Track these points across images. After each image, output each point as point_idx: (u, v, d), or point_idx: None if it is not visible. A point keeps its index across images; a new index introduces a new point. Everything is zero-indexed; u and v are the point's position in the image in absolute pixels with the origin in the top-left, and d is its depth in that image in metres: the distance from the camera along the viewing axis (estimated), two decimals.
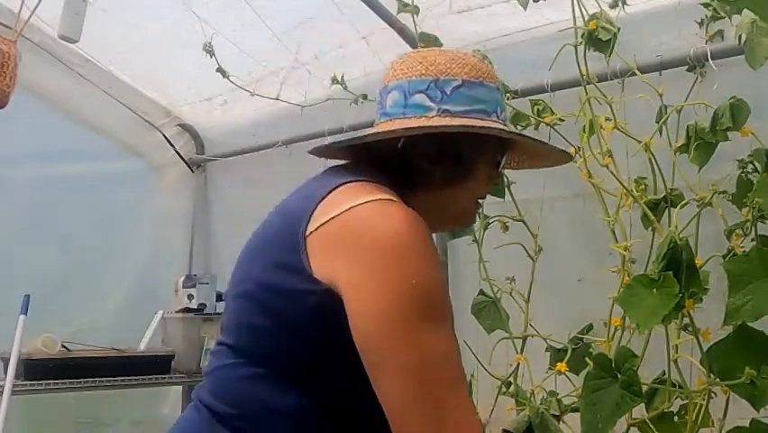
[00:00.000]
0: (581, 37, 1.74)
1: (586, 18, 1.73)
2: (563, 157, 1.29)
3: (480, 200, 1.25)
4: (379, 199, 1.04)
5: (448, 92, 1.14)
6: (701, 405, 1.58)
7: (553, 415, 1.77)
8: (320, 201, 1.05)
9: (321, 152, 1.24)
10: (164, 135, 3.37)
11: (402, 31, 2.36)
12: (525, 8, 1.82)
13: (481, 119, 1.15)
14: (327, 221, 1.02)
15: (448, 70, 1.16)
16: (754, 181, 1.60)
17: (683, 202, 1.70)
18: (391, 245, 0.99)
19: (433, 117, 1.13)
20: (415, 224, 1.02)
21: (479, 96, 1.15)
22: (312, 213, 1.04)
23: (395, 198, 1.06)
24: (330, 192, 1.06)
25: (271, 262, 1.06)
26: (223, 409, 1.07)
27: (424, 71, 1.16)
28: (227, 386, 1.08)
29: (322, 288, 1.00)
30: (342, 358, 1.01)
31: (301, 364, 1.04)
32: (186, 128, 3.44)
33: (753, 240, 1.61)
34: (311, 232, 1.02)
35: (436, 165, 1.15)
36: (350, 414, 1.05)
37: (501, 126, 1.16)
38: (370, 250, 1.00)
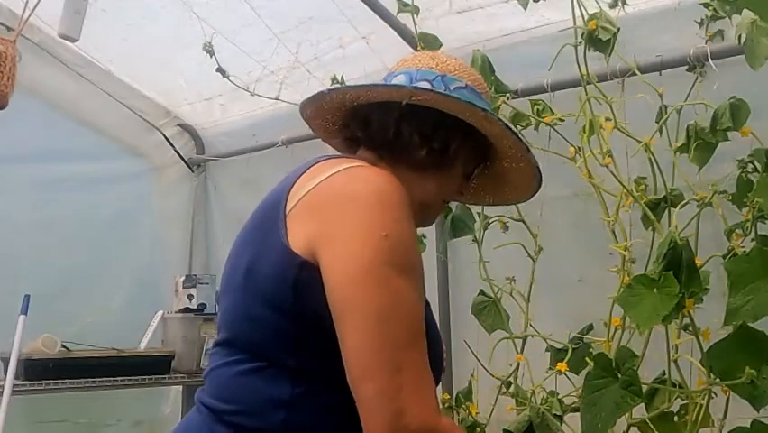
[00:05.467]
0: (581, 37, 1.74)
1: (586, 18, 1.73)
2: (533, 185, 1.28)
3: (444, 202, 1.27)
4: (352, 166, 1.07)
5: (452, 88, 1.17)
6: (701, 405, 1.58)
7: (554, 415, 1.77)
8: (296, 180, 1.08)
9: (317, 102, 1.22)
10: (164, 135, 3.37)
11: (402, 31, 2.36)
12: (525, 8, 1.82)
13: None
14: (304, 195, 1.05)
15: (456, 72, 1.20)
16: (754, 181, 1.60)
17: (683, 202, 1.70)
18: (362, 200, 1.02)
19: None
20: (386, 182, 1.05)
21: (477, 103, 1.17)
22: (290, 192, 1.06)
23: (368, 165, 1.09)
24: (305, 171, 1.09)
25: (256, 249, 1.08)
26: (221, 406, 1.07)
27: (434, 66, 1.20)
28: (224, 384, 1.09)
29: (299, 261, 1.01)
30: (328, 336, 1.01)
31: (291, 349, 1.04)
32: (186, 128, 3.44)
33: (753, 240, 1.61)
34: (290, 210, 1.05)
35: (425, 144, 1.16)
36: (342, 395, 1.03)
37: (498, 119, 1.18)
38: (342, 207, 1.03)
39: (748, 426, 1.49)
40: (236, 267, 1.11)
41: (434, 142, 1.16)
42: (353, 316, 0.98)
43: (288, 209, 1.05)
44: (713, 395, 1.57)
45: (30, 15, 2.34)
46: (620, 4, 1.80)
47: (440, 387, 1.98)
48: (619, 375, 1.51)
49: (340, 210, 1.03)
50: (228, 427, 1.05)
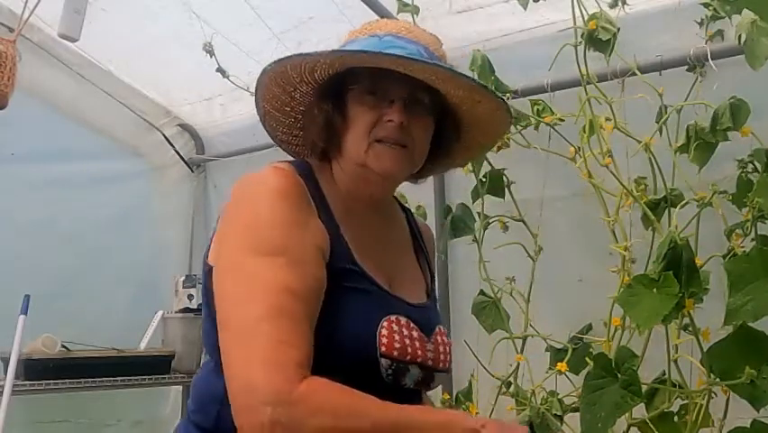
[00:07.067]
0: (581, 37, 1.74)
1: (586, 18, 1.73)
2: (497, 110, 1.21)
3: (378, 134, 1.15)
4: (260, 171, 1.13)
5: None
6: (701, 405, 1.59)
7: (554, 415, 1.77)
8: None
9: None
10: (164, 135, 3.37)
11: None
12: (525, 8, 1.82)
13: None
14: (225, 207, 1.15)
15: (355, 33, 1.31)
16: (754, 181, 1.61)
17: (683, 202, 1.69)
18: (233, 200, 1.11)
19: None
20: (271, 178, 1.10)
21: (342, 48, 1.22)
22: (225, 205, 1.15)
23: (279, 166, 1.13)
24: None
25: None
26: (190, 406, 1.17)
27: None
28: (195, 386, 1.19)
29: (207, 268, 1.12)
30: None
31: (218, 349, 1.08)
32: (186, 128, 3.44)
33: (753, 240, 1.61)
34: (218, 222, 1.15)
35: (314, 120, 1.21)
36: None
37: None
38: (229, 207, 1.12)
39: (748, 426, 1.49)
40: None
41: (316, 114, 1.20)
42: (219, 306, 1.05)
43: (218, 223, 1.15)
44: (713, 395, 1.57)
45: (30, 15, 2.34)
46: (620, 4, 1.80)
47: (440, 387, 1.99)
48: (619, 375, 1.51)
49: (226, 211, 1.12)
50: (194, 426, 1.15)
